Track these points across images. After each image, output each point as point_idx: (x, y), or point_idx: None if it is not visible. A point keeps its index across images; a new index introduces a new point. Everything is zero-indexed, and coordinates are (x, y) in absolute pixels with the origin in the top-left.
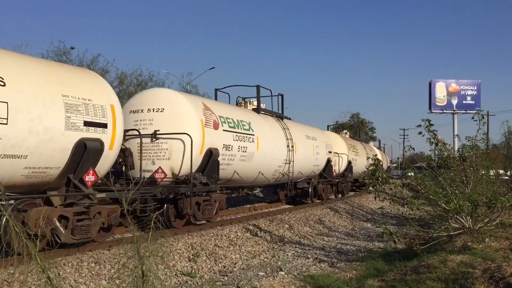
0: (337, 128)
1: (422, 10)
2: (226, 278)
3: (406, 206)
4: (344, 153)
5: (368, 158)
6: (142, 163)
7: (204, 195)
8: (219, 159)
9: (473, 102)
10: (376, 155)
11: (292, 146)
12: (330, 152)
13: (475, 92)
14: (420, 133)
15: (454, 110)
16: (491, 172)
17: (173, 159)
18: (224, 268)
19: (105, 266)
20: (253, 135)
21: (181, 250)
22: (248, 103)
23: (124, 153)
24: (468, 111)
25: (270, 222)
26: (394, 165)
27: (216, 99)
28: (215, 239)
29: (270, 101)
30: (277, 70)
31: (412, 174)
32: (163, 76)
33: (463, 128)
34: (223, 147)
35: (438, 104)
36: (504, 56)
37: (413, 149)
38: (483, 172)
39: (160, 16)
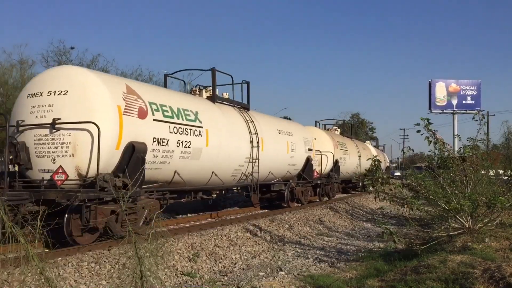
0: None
1: (422, 10)
2: (226, 278)
3: (406, 206)
4: (329, 151)
5: (359, 157)
6: (38, 162)
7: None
8: (147, 156)
9: (473, 102)
10: (376, 156)
11: (258, 142)
12: (310, 149)
13: (475, 92)
14: (418, 131)
15: (454, 110)
16: (491, 172)
17: (78, 156)
18: (224, 268)
19: (105, 266)
20: (201, 127)
21: (181, 250)
22: (204, 91)
23: (15, 148)
24: (468, 111)
25: (270, 222)
26: (394, 165)
27: (166, 86)
28: (215, 239)
29: (236, 91)
30: (277, 70)
31: (409, 171)
32: (163, 75)
33: (463, 128)
34: (154, 141)
35: (438, 104)
36: (504, 56)
37: (412, 150)
38: (483, 172)
39: (160, 16)
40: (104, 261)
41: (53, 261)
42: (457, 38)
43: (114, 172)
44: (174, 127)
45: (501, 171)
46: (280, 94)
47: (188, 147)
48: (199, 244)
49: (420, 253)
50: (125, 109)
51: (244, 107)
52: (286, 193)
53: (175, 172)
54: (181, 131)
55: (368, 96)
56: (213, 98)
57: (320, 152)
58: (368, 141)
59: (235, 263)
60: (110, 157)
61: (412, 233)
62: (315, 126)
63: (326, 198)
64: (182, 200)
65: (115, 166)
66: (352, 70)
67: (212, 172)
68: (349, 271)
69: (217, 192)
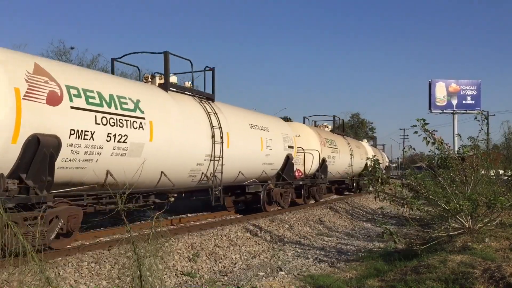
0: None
1: (422, 10)
2: (226, 278)
3: (406, 206)
4: (315, 149)
5: (352, 156)
6: None
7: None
8: (63, 152)
9: (473, 102)
10: (375, 155)
11: (222, 137)
12: (291, 147)
13: (475, 92)
14: (415, 132)
15: (454, 110)
16: (491, 172)
17: None
18: (224, 268)
19: (105, 266)
20: (143, 118)
21: (181, 250)
22: (158, 78)
23: None
24: (468, 111)
25: (270, 222)
26: (394, 165)
27: (113, 72)
28: (215, 239)
29: (201, 80)
30: (277, 70)
31: (409, 171)
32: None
33: (463, 128)
34: (72, 134)
35: (438, 104)
36: (504, 56)
37: (414, 149)
38: (483, 172)
39: (160, 16)
40: (104, 261)
41: (53, 261)
42: (457, 38)
43: (14, 172)
44: (103, 117)
45: (501, 171)
46: (280, 94)
47: (124, 141)
48: (199, 244)
49: (420, 253)
50: (26, 92)
51: (208, 98)
52: (262, 195)
53: (107, 172)
54: (113, 123)
55: (368, 96)
56: (165, 86)
57: (304, 150)
58: (365, 140)
59: (235, 263)
60: (3, 153)
61: (412, 233)
62: (304, 122)
63: (312, 201)
64: (130, 205)
65: (14, 164)
66: (352, 70)
67: (161, 172)
68: (349, 271)
69: (175, 195)
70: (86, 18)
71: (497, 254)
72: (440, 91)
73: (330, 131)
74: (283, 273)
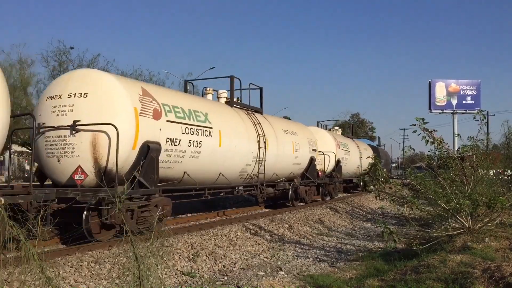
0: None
1: (422, 10)
2: (226, 277)
3: (406, 205)
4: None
5: (361, 157)
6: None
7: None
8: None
9: (473, 102)
10: (375, 155)
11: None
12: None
13: (475, 92)
14: (415, 131)
15: (454, 110)
16: (491, 172)
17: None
18: (224, 267)
19: (105, 265)
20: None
21: (181, 250)
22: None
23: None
24: (468, 111)
25: (270, 221)
26: (394, 165)
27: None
28: (215, 238)
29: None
30: (277, 70)
31: (409, 170)
32: (163, 76)
33: (463, 128)
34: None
35: (438, 104)
36: (504, 56)
37: (413, 149)
38: (483, 172)
39: (160, 16)
40: (104, 261)
41: (53, 260)
42: (457, 38)
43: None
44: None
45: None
46: (280, 94)
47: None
48: (199, 244)
49: (420, 253)
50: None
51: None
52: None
53: (184, 172)
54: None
55: (368, 96)
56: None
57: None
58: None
59: (235, 263)
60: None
61: (412, 232)
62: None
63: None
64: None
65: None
66: (352, 70)
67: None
68: (349, 270)
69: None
70: (86, 18)
71: (497, 254)
72: (440, 91)
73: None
74: (283, 272)
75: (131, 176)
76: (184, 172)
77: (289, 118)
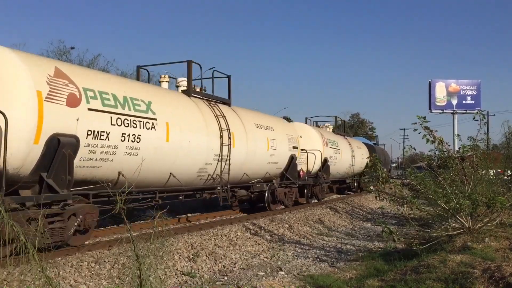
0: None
1: (422, 10)
2: (226, 278)
3: (406, 205)
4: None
5: (353, 156)
6: None
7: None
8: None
9: (473, 102)
10: (374, 155)
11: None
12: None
13: (475, 92)
14: (415, 130)
15: (454, 110)
16: (491, 172)
17: None
18: (224, 268)
19: (105, 266)
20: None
21: (181, 250)
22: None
23: None
24: (468, 111)
25: (270, 221)
26: (394, 165)
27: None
28: (215, 238)
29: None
30: (277, 70)
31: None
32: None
33: (463, 128)
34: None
35: (438, 104)
36: (504, 56)
37: (414, 149)
38: (483, 172)
39: (160, 16)
40: (104, 261)
41: (52, 260)
42: (457, 38)
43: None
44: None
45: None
46: (280, 94)
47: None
48: (199, 244)
49: (420, 253)
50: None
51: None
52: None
53: (119, 172)
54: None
55: (368, 96)
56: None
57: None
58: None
59: (235, 263)
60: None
61: (412, 233)
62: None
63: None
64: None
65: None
66: (352, 70)
67: (170, 174)
68: (349, 271)
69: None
70: (86, 18)
71: (497, 254)
72: (440, 91)
73: (332, 131)
74: (283, 273)
75: (37, 177)
76: (119, 173)
77: (289, 118)
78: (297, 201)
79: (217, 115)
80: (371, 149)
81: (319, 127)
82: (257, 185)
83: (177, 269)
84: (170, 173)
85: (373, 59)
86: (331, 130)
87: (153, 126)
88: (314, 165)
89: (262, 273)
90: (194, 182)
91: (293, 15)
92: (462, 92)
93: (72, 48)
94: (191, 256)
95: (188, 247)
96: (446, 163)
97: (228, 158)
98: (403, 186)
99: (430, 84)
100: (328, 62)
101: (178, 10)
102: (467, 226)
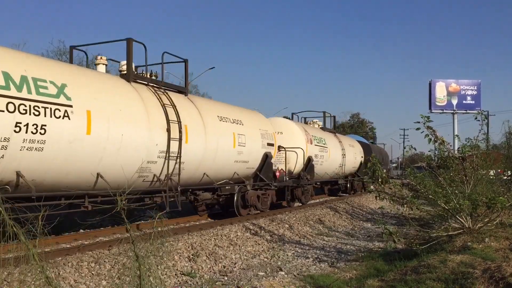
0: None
1: (422, 10)
2: (226, 278)
3: (406, 205)
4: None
5: (344, 155)
6: None
7: None
8: None
9: (473, 102)
10: (373, 155)
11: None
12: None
13: (475, 92)
14: (418, 129)
15: (454, 110)
16: (491, 172)
17: None
18: (224, 268)
19: (105, 266)
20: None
21: (181, 250)
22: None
23: None
24: (468, 111)
25: (270, 222)
26: (394, 165)
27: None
28: (215, 239)
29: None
30: (277, 70)
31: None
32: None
33: (463, 128)
34: None
35: (438, 104)
36: (504, 56)
37: (415, 149)
38: (483, 172)
39: (160, 16)
40: (104, 261)
41: (53, 260)
42: (457, 38)
43: None
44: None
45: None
46: (280, 94)
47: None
48: (199, 244)
49: (420, 253)
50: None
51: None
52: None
53: (16, 172)
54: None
55: (368, 96)
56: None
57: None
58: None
59: (235, 263)
60: None
61: (412, 233)
62: (292, 118)
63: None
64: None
65: None
66: (352, 70)
67: (98, 173)
68: (349, 271)
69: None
70: (86, 18)
71: (497, 254)
72: (440, 91)
73: (321, 128)
74: (283, 273)
75: None
76: (17, 173)
77: (289, 118)
78: (280, 204)
79: (164, 104)
80: (366, 148)
81: (306, 123)
82: (227, 187)
83: (177, 269)
84: (98, 174)
85: (373, 59)
86: (318, 126)
87: (66, 114)
88: (296, 164)
89: (262, 273)
90: (136, 184)
91: (293, 15)
92: (462, 92)
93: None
94: (191, 256)
95: (188, 247)
96: (446, 163)
97: (178, 155)
98: (403, 186)
99: (430, 84)
100: (328, 62)
101: (177, 10)
102: (467, 226)
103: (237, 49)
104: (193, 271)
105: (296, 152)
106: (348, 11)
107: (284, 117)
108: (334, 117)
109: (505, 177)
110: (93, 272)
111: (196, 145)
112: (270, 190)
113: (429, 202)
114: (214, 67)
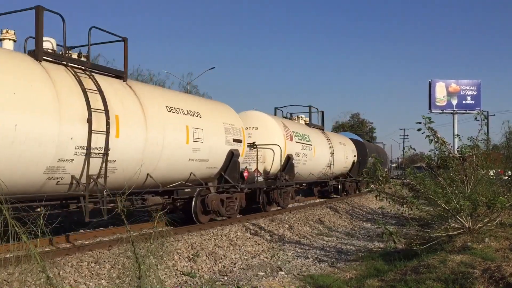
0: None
1: (422, 10)
2: (226, 278)
3: (406, 205)
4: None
5: (332, 154)
6: None
7: None
8: None
9: (473, 102)
10: (374, 155)
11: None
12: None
13: (475, 92)
14: (419, 129)
15: (454, 110)
16: (491, 172)
17: None
18: (224, 268)
19: (104, 266)
20: None
21: (181, 250)
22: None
23: None
24: (468, 111)
25: (270, 222)
26: (394, 165)
27: (275, 114)
28: (215, 239)
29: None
30: (277, 70)
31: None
32: (163, 76)
33: (463, 128)
34: None
35: (438, 104)
36: (504, 56)
37: (414, 149)
38: (483, 172)
39: (160, 16)
40: (104, 261)
41: (52, 260)
42: (457, 38)
43: None
44: None
45: (502, 172)
46: (280, 94)
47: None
48: (199, 244)
49: (420, 253)
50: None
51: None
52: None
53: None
54: None
55: (368, 96)
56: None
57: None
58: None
59: (235, 263)
60: None
61: (412, 233)
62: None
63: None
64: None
65: None
66: (352, 70)
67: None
68: (349, 271)
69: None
70: (86, 18)
71: (497, 254)
72: (440, 91)
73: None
74: (283, 273)
75: None
76: None
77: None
78: (257, 209)
79: (86, 89)
80: (360, 146)
81: (291, 119)
82: (186, 190)
83: (177, 269)
84: None
85: (373, 59)
86: (304, 122)
87: None
88: (273, 163)
89: (262, 273)
90: (46, 188)
91: (293, 15)
92: (462, 92)
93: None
94: (191, 256)
95: (188, 247)
96: (446, 163)
97: (105, 152)
98: (403, 186)
99: (430, 84)
100: (328, 62)
101: (177, 10)
102: (467, 226)
103: (237, 49)
104: (193, 271)
105: (272, 150)
106: (348, 11)
107: (284, 117)
108: (322, 112)
109: (506, 177)
110: (93, 272)
111: (132, 140)
112: (238, 193)
113: (429, 202)
114: (214, 67)
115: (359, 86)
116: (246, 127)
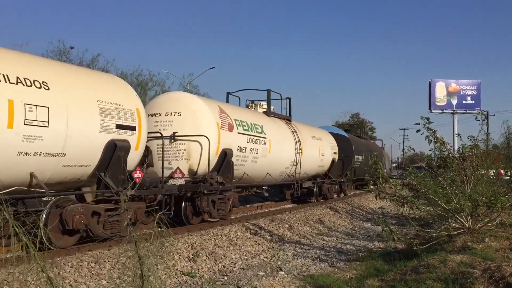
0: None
1: (422, 10)
2: (226, 278)
3: (406, 205)
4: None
5: (299, 150)
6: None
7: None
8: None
9: (473, 102)
10: (375, 154)
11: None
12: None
13: (475, 92)
14: (418, 131)
15: (454, 110)
16: (491, 172)
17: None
18: (224, 268)
19: (105, 265)
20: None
21: (181, 250)
22: (258, 106)
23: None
24: (468, 111)
25: (270, 221)
26: (394, 165)
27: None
28: (215, 238)
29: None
30: (277, 69)
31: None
32: (163, 76)
33: (463, 128)
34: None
35: (438, 104)
36: (504, 56)
37: (413, 149)
38: (483, 172)
39: (160, 15)
40: (104, 261)
41: (52, 260)
42: (457, 38)
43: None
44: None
45: (501, 171)
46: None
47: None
48: (199, 244)
49: (420, 253)
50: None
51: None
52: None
53: (244, 172)
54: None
55: (368, 96)
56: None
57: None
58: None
59: (235, 263)
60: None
61: (412, 233)
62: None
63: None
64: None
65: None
66: (352, 70)
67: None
68: (349, 270)
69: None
70: (86, 18)
71: (497, 254)
72: (440, 91)
73: (264, 112)
74: (283, 273)
75: None
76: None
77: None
78: (180, 221)
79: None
80: (344, 142)
81: (255, 105)
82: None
83: (177, 269)
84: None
85: (373, 59)
86: (262, 110)
87: None
88: (201, 160)
89: (262, 273)
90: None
91: (293, 15)
92: (462, 92)
93: (72, 48)
94: (191, 256)
95: (188, 247)
96: (446, 163)
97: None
98: (403, 186)
99: (430, 84)
100: (328, 63)
101: (177, 11)
102: (467, 226)
103: (237, 49)
104: (193, 271)
105: (199, 143)
106: (348, 11)
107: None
108: (289, 99)
109: (507, 177)
110: (93, 272)
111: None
112: (136, 203)
113: (429, 202)
114: (214, 67)
115: (359, 86)
116: (166, 113)
